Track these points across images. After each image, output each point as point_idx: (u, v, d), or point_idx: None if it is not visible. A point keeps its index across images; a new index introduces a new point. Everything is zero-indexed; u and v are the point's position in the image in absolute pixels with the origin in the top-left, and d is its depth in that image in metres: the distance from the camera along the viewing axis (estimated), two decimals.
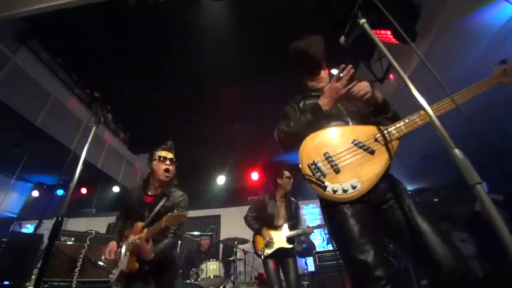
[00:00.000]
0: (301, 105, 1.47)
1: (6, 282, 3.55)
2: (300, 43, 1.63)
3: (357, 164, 1.10)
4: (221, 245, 5.36)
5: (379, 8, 1.15)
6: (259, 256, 2.96)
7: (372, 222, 1.05)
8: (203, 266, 3.41)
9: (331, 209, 1.10)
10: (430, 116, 0.88)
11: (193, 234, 4.09)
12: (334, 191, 1.06)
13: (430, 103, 0.90)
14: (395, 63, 1.05)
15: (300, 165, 1.19)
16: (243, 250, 4.32)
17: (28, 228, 6.75)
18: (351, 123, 1.27)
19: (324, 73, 1.57)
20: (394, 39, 2.70)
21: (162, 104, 5.03)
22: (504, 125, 3.93)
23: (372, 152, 1.12)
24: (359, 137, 1.17)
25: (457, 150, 0.81)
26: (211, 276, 3.31)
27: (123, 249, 1.83)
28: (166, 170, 1.90)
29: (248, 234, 3.23)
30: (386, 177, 1.12)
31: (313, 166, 1.14)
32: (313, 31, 1.66)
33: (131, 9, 2.98)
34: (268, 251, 2.86)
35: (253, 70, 4.28)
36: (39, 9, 2.83)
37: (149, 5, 2.95)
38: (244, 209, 3.40)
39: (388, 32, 2.69)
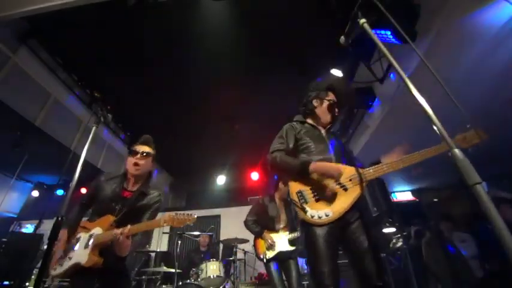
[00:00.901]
0: (298, 131, 1.69)
1: (6, 282, 3.55)
2: (341, 80, 1.91)
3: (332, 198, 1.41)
4: (221, 245, 5.36)
5: (379, 8, 1.15)
6: (261, 260, 2.94)
7: (335, 241, 1.39)
8: (203, 266, 3.41)
9: (306, 228, 1.42)
10: (429, 116, 0.88)
11: (193, 234, 4.09)
12: (312, 216, 1.39)
13: (430, 103, 0.90)
14: (395, 63, 1.05)
15: (289, 191, 1.51)
16: (243, 250, 4.32)
17: (28, 228, 6.74)
18: (334, 161, 1.55)
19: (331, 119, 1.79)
20: (394, 39, 2.70)
21: (162, 104, 5.03)
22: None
23: (346, 189, 1.43)
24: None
25: (457, 150, 0.81)
26: (211, 276, 3.31)
27: (81, 241, 1.68)
28: (135, 164, 1.82)
29: (248, 234, 3.23)
30: (354, 207, 1.41)
31: (299, 194, 1.46)
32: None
33: (131, 9, 2.98)
34: (270, 255, 2.85)
35: (253, 70, 4.29)
36: (39, 9, 2.83)
37: (149, 5, 2.95)
38: (244, 209, 3.40)
39: (388, 32, 2.68)
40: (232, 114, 5.35)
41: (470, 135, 1.37)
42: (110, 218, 1.69)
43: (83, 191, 6.74)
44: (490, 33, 2.72)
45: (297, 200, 1.45)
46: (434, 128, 0.87)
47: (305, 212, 1.40)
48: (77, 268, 1.59)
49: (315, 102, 1.80)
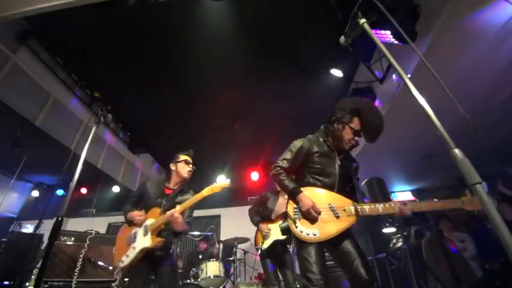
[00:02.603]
0: (313, 152, 1.71)
1: (6, 282, 3.54)
2: (372, 107, 1.79)
3: (323, 220, 1.53)
4: (221, 245, 5.36)
5: (379, 8, 1.15)
6: (257, 250, 3.00)
7: (322, 255, 1.51)
8: (203, 266, 3.41)
9: (299, 240, 1.55)
10: (429, 116, 0.88)
11: (193, 234, 4.09)
12: (301, 231, 1.52)
13: (430, 103, 0.90)
14: (395, 63, 1.05)
15: (287, 205, 1.64)
16: (243, 250, 4.32)
17: (28, 228, 6.75)
18: (335, 190, 1.65)
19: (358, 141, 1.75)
20: (394, 39, 2.70)
21: (162, 104, 5.03)
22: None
23: (338, 217, 1.54)
24: (334, 203, 1.58)
25: (457, 150, 0.81)
26: (211, 276, 3.31)
27: (139, 232, 2.09)
28: (190, 171, 2.40)
29: (248, 233, 3.24)
30: (341, 234, 1.52)
31: (296, 209, 1.59)
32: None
33: (131, 9, 2.98)
34: (265, 245, 2.89)
35: (254, 70, 4.28)
36: (39, 9, 2.83)
37: (149, 5, 2.95)
38: (244, 209, 3.41)
39: (388, 32, 2.68)
40: (233, 114, 5.35)
41: (467, 199, 1.40)
42: (157, 210, 2.12)
43: (83, 191, 6.80)
44: (490, 33, 2.72)
45: (291, 214, 1.58)
46: (434, 128, 0.87)
47: (296, 226, 1.54)
48: (143, 253, 1.98)
49: (336, 125, 1.72)
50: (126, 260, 2.01)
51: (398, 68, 1.02)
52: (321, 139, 1.77)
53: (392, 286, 4.08)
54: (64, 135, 4.42)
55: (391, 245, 4.63)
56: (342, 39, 1.36)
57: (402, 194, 7.28)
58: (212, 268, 3.38)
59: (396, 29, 2.38)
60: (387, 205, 1.52)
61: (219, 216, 7.11)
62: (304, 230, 1.51)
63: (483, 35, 2.75)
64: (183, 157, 2.42)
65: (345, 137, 1.69)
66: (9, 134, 4.21)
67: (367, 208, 1.53)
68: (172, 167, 2.40)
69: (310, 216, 1.51)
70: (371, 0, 1.16)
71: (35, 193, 6.86)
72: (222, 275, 3.41)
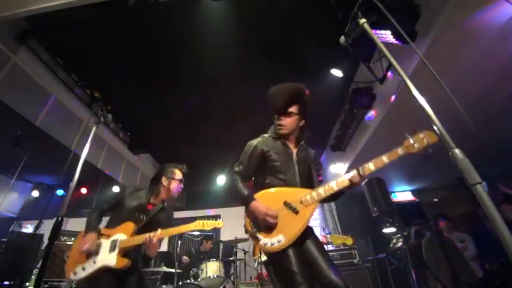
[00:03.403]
0: (267, 151, 1.64)
1: (6, 282, 3.55)
2: (274, 87, 1.80)
3: (283, 223, 1.41)
4: (221, 245, 5.36)
5: (379, 8, 1.15)
6: (255, 262, 2.96)
7: (298, 257, 1.38)
8: (203, 266, 3.41)
9: (268, 255, 1.47)
10: (429, 116, 0.88)
11: (193, 234, 4.09)
12: (265, 244, 1.40)
13: (430, 103, 0.90)
14: (395, 63, 1.05)
15: (244, 221, 1.56)
16: (243, 250, 4.32)
17: (28, 228, 6.74)
18: (299, 185, 1.57)
19: (286, 121, 1.68)
20: (394, 39, 2.70)
21: (162, 104, 5.03)
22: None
23: (296, 212, 1.42)
24: (290, 198, 1.47)
25: (457, 150, 0.81)
26: (212, 276, 3.31)
27: (105, 245, 1.85)
28: (182, 188, 2.21)
29: None
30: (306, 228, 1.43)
31: (252, 223, 1.49)
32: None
33: (131, 9, 2.98)
34: (264, 257, 2.86)
35: (253, 70, 4.28)
36: (39, 9, 2.82)
37: (149, 5, 2.95)
38: (244, 209, 3.40)
39: (388, 32, 2.68)
40: (233, 114, 5.35)
41: (418, 139, 1.34)
42: (132, 226, 1.89)
43: (83, 191, 6.79)
44: (490, 33, 2.72)
45: (250, 230, 1.49)
46: (434, 127, 0.87)
47: (258, 240, 1.43)
48: (103, 271, 1.76)
49: (277, 119, 1.71)
50: (80, 274, 1.77)
51: (398, 68, 1.02)
52: (273, 137, 1.72)
53: (392, 286, 4.08)
54: (64, 135, 4.41)
55: (391, 245, 4.64)
56: (342, 39, 1.36)
57: (402, 194, 7.29)
58: (212, 268, 3.38)
59: (396, 29, 2.39)
60: (339, 180, 1.44)
61: (219, 216, 7.09)
62: (268, 241, 1.39)
63: (483, 35, 2.74)
64: (178, 175, 2.20)
65: (292, 125, 1.67)
66: (9, 134, 4.21)
67: (322, 191, 1.45)
68: (164, 181, 2.13)
69: (268, 224, 1.40)
70: (371, 0, 1.16)
71: (35, 193, 6.85)
72: (222, 275, 3.42)
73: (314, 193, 1.46)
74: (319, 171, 1.74)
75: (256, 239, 1.44)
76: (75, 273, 1.78)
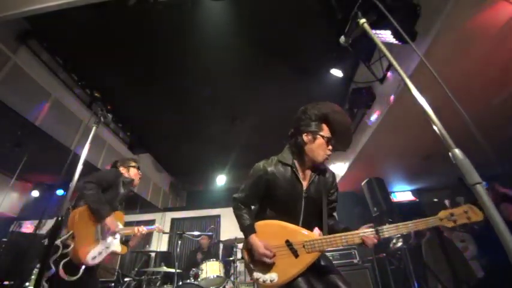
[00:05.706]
0: (273, 180, 1.45)
1: (6, 282, 3.54)
2: (344, 117, 1.47)
3: (280, 262, 1.34)
4: (221, 245, 5.36)
5: (379, 8, 1.15)
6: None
7: (307, 282, 1.30)
8: (203, 266, 3.41)
9: None
10: (429, 116, 0.88)
11: (193, 234, 4.09)
12: (257, 279, 1.35)
13: (430, 103, 0.90)
14: (395, 63, 1.05)
15: (242, 248, 1.49)
16: None
17: (28, 228, 6.74)
18: (300, 224, 1.41)
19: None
20: (394, 39, 2.70)
21: (162, 104, 5.03)
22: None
23: (296, 256, 1.32)
24: (293, 238, 1.35)
25: (457, 150, 0.81)
26: (211, 276, 3.31)
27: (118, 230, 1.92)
28: (140, 178, 2.40)
29: None
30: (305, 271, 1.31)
31: (249, 254, 1.42)
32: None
33: (131, 9, 2.98)
34: None
35: (253, 70, 4.29)
36: (39, 9, 2.82)
37: (149, 5, 2.95)
38: None
39: (388, 32, 2.68)
40: (233, 114, 5.35)
41: (458, 213, 1.18)
42: (122, 215, 1.99)
43: None
44: (490, 33, 2.72)
45: (247, 257, 1.43)
46: (434, 128, 0.87)
47: (252, 271, 1.38)
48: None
49: (306, 137, 1.42)
50: (98, 258, 1.71)
51: (398, 68, 1.02)
52: (286, 163, 1.47)
53: (393, 286, 4.07)
54: (64, 135, 4.41)
55: (391, 245, 4.63)
56: (342, 39, 1.36)
57: (402, 194, 7.29)
58: (212, 268, 3.38)
59: (396, 29, 2.39)
60: (349, 236, 1.27)
61: (219, 216, 7.10)
62: (261, 276, 1.34)
63: (483, 35, 2.74)
64: (136, 164, 2.39)
65: (317, 149, 1.40)
66: (9, 134, 4.20)
67: (326, 245, 1.30)
68: (133, 172, 2.37)
69: (264, 261, 1.32)
70: (371, 0, 1.16)
71: (35, 193, 6.85)
72: (222, 275, 3.41)
73: (318, 242, 1.31)
74: (333, 203, 1.53)
75: (250, 271, 1.40)
76: (93, 259, 1.69)
